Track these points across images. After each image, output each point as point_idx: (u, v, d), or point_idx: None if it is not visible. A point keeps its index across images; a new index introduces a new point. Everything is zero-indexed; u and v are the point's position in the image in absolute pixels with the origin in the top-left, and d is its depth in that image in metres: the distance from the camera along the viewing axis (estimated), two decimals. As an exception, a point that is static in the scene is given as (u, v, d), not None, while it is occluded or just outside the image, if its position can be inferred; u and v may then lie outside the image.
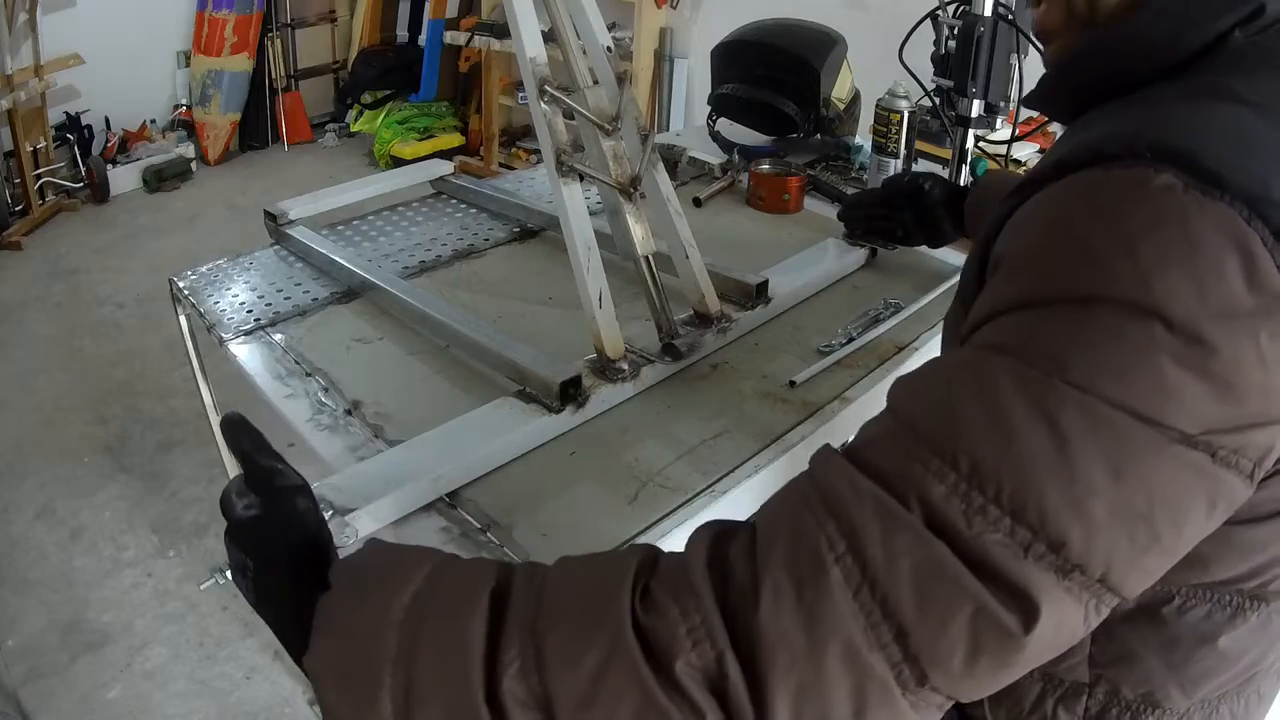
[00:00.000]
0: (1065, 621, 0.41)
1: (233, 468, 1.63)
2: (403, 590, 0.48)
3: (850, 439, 0.48)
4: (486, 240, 1.39)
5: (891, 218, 1.20)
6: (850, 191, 1.57)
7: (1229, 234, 0.41)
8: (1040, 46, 0.66)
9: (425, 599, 0.48)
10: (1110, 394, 0.40)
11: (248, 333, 1.14)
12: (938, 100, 1.40)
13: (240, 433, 0.57)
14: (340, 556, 0.56)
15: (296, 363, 1.07)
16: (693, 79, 3.82)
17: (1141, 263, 0.41)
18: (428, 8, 4.59)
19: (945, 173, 1.51)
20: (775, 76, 1.64)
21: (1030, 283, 0.45)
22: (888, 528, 0.41)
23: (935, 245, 1.22)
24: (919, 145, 1.65)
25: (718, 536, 0.46)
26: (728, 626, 0.41)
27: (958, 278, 1.22)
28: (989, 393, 0.42)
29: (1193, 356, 0.40)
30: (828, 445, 0.49)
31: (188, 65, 4.52)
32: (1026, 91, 1.35)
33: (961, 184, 1.29)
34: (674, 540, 0.81)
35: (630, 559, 0.47)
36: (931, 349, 1.12)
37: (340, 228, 1.43)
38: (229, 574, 0.59)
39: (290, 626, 0.53)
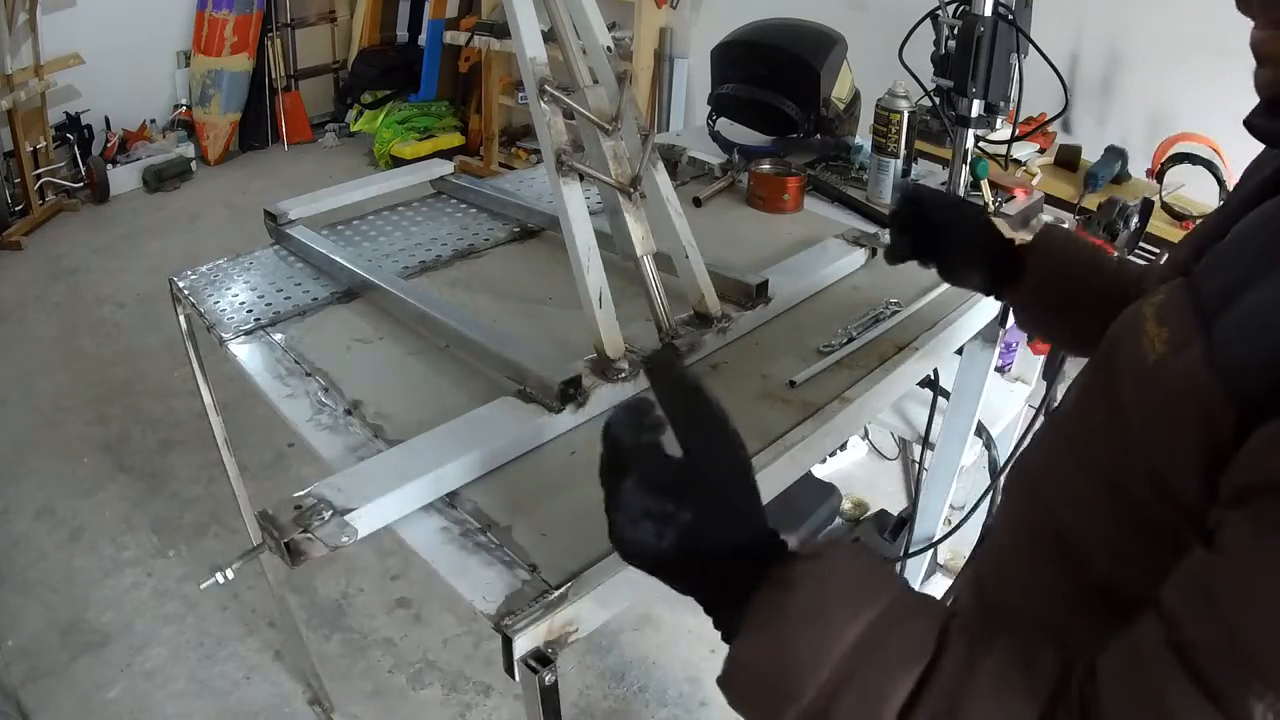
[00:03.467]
0: None
1: (235, 469, 1.62)
2: (851, 625, 0.50)
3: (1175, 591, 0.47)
4: (486, 240, 1.39)
5: (933, 245, 0.97)
6: (851, 192, 1.57)
7: None
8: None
9: (869, 647, 0.50)
10: None
11: (248, 333, 1.14)
12: (938, 100, 1.40)
13: (675, 363, 0.59)
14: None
15: (296, 363, 1.07)
16: (693, 79, 3.82)
17: None
18: (428, 8, 4.59)
19: (945, 173, 1.51)
20: (775, 76, 1.64)
21: None
22: None
23: (954, 283, 1.03)
24: (919, 145, 1.65)
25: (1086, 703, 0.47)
26: None
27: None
28: None
29: None
30: (1164, 645, 0.46)
31: (188, 65, 4.52)
32: (1027, 92, 1.37)
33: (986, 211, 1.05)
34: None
35: (1056, 688, 0.48)
36: (932, 349, 1.12)
37: (340, 228, 1.43)
38: (618, 518, 0.54)
39: (717, 588, 0.54)
